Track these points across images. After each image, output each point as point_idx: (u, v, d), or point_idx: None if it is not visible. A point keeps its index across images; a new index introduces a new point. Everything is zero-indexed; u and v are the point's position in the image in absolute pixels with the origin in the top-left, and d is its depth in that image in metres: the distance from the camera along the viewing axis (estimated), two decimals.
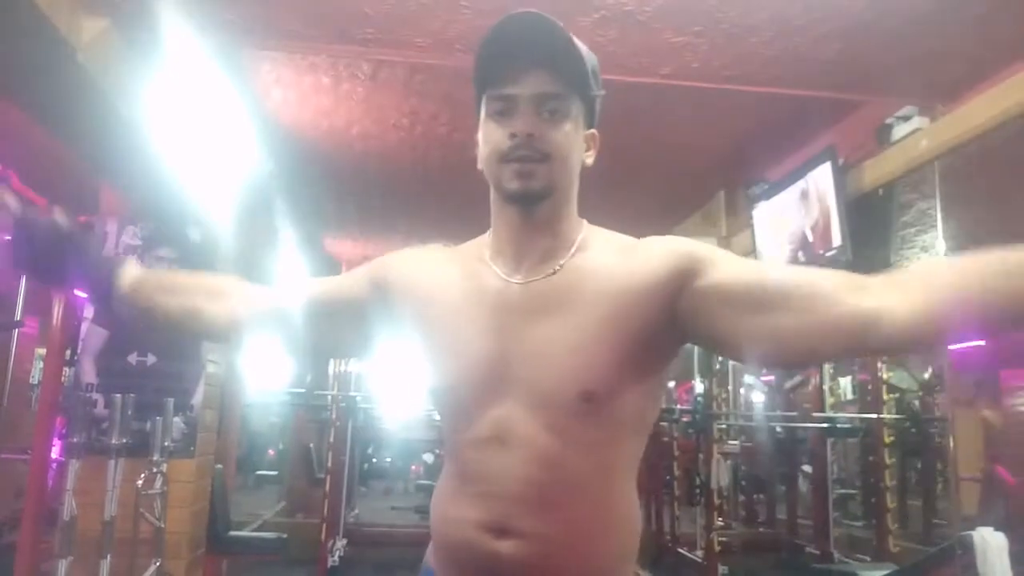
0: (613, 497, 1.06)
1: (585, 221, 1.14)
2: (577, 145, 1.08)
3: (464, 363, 1.07)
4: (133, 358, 3.49)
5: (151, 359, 3.50)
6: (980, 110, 2.82)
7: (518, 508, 1.02)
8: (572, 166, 1.08)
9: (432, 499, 1.15)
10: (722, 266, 1.01)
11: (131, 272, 1.16)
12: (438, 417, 1.15)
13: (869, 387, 4.36)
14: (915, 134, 3.11)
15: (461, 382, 1.07)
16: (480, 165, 1.09)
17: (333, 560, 4.99)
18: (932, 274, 0.98)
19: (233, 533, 4.19)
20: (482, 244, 1.13)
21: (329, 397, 5.77)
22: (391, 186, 4.82)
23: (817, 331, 0.94)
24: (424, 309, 1.11)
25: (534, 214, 1.07)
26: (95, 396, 3.40)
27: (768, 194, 3.96)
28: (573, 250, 1.09)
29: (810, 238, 3.55)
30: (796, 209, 3.67)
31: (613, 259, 1.07)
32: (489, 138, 1.06)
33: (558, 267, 1.07)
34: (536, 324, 1.04)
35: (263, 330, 1.19)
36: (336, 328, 1.18)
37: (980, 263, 0.90)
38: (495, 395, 1.04)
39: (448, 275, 1.12)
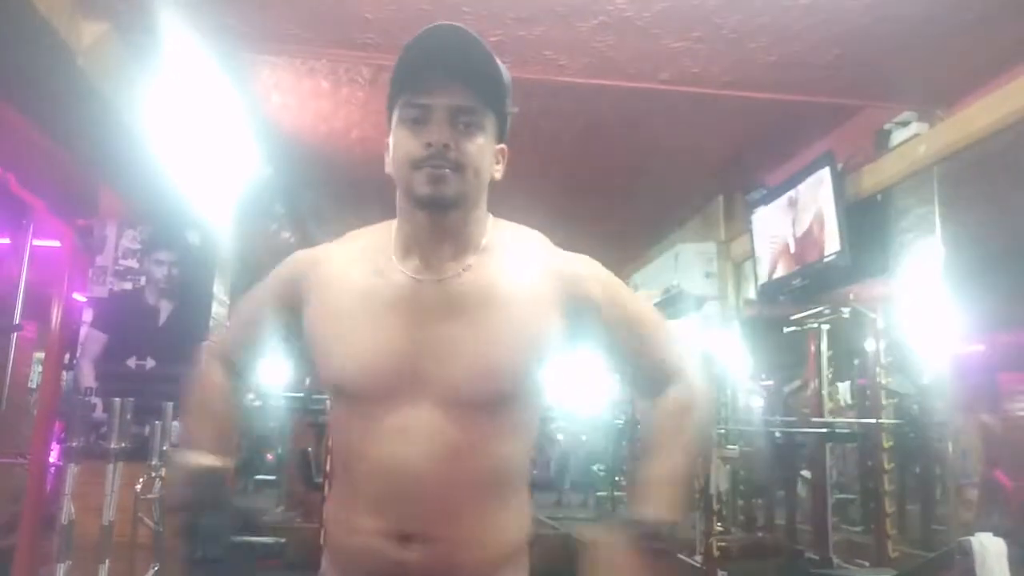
0: (513, 495, 1.11)
1: (491, 217, 1.17)
2: (489, 158, 1.10)
3: (370, 359, 1.07)
4: (132, 362, 3.49)
5: (150, 363, 3.50)
6: (978, 116, 2.82)
7: (423, 509, 1.03)
8: (483, 178, 1.10)
9: (326, 507, 1.21)
10: (604, 312, 1.12)
11: (206, 448, 1.18)
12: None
13: (868, 392, 4.37)
14: (914, 139, 3.11)
15: (366, 377, 1.07)
16: (388, 169, 1.12)
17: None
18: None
19: (232, 537, 4.18)
20: (387, 240, 1.15)
21: (327, 401, 5.75)
22: (390, 190, 4.81)
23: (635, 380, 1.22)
24: (327, 307, 1.12)
25: (443, 221, 1.08)
26: (94, 400, 3.39)
27: (767, 199, 3.96)
28: (480, 252, 1.11)
29: (809, 243, 3.55)
30: (795, 214, 3.68)
31: (519, 265, 1.12)
32: (402, 144, 1.07)
33: (466, 267, 1.09)
34: (446, 323, 1.06)
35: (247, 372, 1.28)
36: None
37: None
38: (402, 392, 1.05)
39: (354, 276, 1.13)
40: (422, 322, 1.06)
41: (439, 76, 1.05)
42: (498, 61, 1.09)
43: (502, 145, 1.14)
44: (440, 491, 1.03)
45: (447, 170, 1.04)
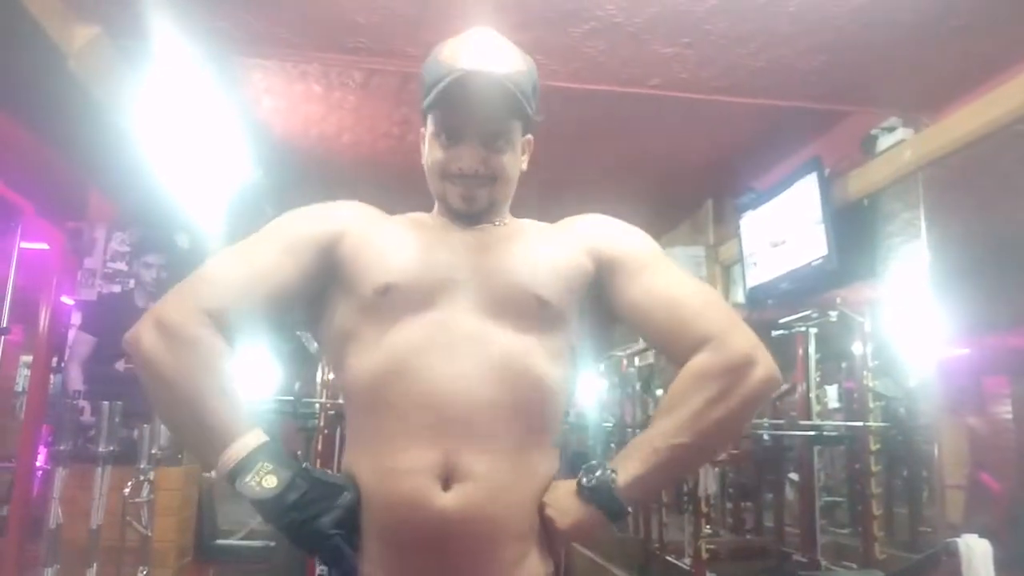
0: (548, 437, 1.07)
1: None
2: (517, 162, 1.15)
3: (417, 263, 1.05)
4: (120, 365, 3.47)
5: None
6: (964, 122, 2.86)
7: (471, 430, 0.96)
8: (512, 182, 1.16)
9: (345, 463, 1.03)
10: (637, 276, 1.11)
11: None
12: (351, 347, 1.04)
13: (855, 395, 4.39)
14: (900, 145, 3.14)
15: (411, 276, 1.03)
16: (424, 163, 1.15)
17: (321, 568, 4.96)
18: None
19: (220, 541, 4.16)
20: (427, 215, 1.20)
21: (317, 405, 5.75)
22: (381, 194, 4.80)
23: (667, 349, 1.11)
24: (376, 234, 1.10)
25: (470, 223, 1.14)
26: (82, 403, 3.37)
27: (755, 203, 3.99)
28: (508, 220, 1.18)
29: (796, 247, 3.58)
30: (783, 219, 3.71)
31: (546, 226, 1.18)
32: (435, 155, 1.11)
33: (501, 223, 1.15)
34: (485, 252, 1.09)
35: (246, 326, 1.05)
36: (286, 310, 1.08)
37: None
38: (446, 298, 1.03)
39: (401, 223, 1.16)
40: (464, 250, 1.09)
41: (468, 108, 1.07)
42: (525, 66, 1.11)
43: (528, 137, 1.17)
44: (487, 409, 0.98)
45: (478, 187, 1.10)
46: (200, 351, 0.97)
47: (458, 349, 0.99)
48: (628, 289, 1.10)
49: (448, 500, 0.95)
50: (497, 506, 0.97)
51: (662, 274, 1.11)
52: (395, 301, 1.02)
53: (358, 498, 0.97)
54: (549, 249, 1.11)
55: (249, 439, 0.96)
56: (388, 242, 1.08)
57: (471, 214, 1.12)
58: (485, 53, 1.08)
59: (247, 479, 0.92)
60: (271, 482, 0.92)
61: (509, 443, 0.99)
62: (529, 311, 1.04)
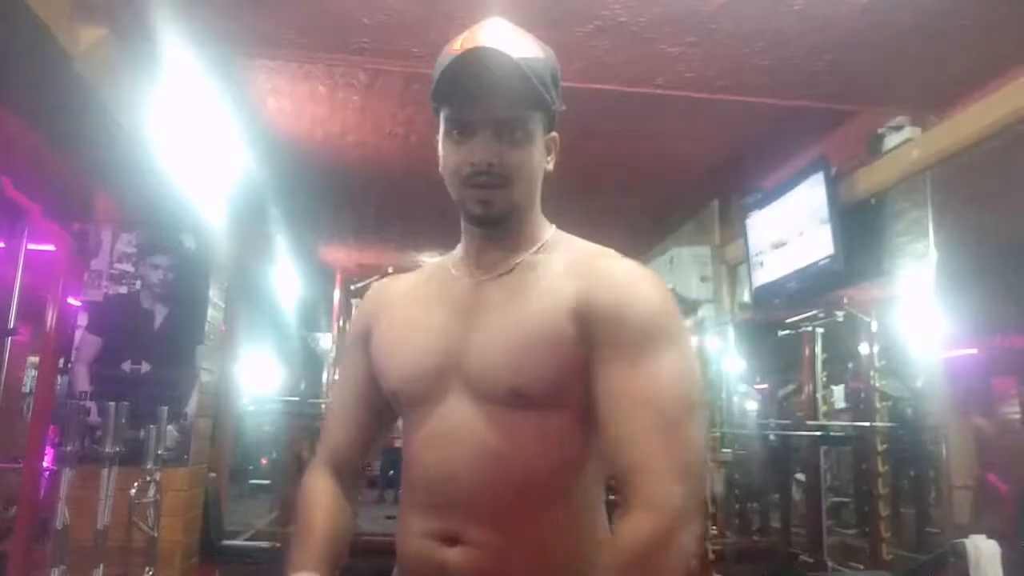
0: (568, 505, 1.02)
1: (553, 226, 1.14)
2: (538, 159, 1.07)
3: (413, 360, 1.08)
4: (127, 366, 3.48)
5: (145, 367, 3.49)
6: (971, 120, 2.84)
7: (465, 511, 1.00)
8: (534, 183, 1.08)
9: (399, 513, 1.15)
10: (606, 335, 0.97)
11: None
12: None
13: (862, 395, 4.38)
14: (907, 144, 3.13)
15: (410, 378, 1.08)
16: (441, 171, 1.08)
17: None
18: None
19: (226, 542, 4.17)
20: (458, 250, 1.15)
21: (323, 405, 5.76)
22: (386, 195, 4.82)
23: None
24: (388, 325, 1.14)
25: (495, 229, 1.08)
26: (88, 404, 3.38)
27: (761, 203, 3.98)
28: (532, 251, 1.09)
29: (803, 247, 3.57)
30: (789, 218, 3.69)
31: (564, 267, 1.05)
32: (449, 159, 1.06)
33: (513, 266, 1.08)
34: (482, 320, 1.05)
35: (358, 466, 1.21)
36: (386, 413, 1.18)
37: None
38: (441, 389, 1.04)
39: (415, 290, 1.15)
40: (465, 319, 1.06)
41: (479, 91, 1.00)
42: (543, 54, 1.04)
43: (553, 135, 1.10)
44: (479, 493, 1.00)
45: (495, 189, 1.03)
46: (307, 498, 1.15)
47: (449, 438, 1.03)
48: (599, 370, 0.97)
49: (451, 555, 1.01)
50: (497, 567, 1.00)
51: (645, 367, 0.95)
52: (403, 402, 1.10)
53: None
54: (540, 316, 1.01)
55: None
56: (394, 339, 1.12)
57: (489, 220, 1.05)
58: (497, 36, 1.01)
59: None
60: None
61: (504, 515, 1.01)
62: (506, 400, 1.00)
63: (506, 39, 1.01)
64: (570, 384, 0.99)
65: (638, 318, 0.97)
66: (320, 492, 1.15)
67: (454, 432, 1.03)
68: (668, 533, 0.88)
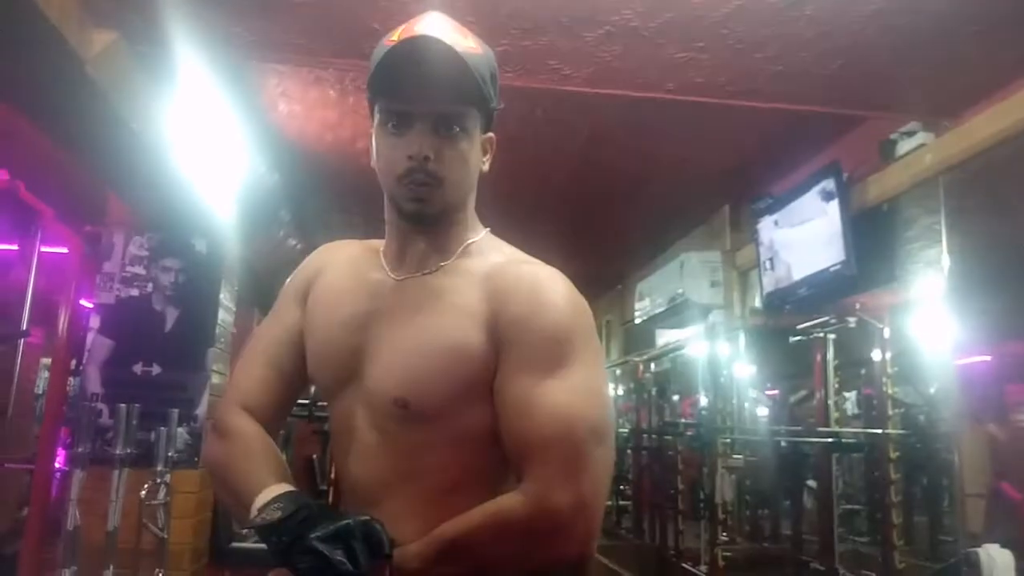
0: (455, 512, 0.95)
1: (486, 230, 1.12)
2: (474, 159, 1.05)
3: (326, 352, 1.07)
4: (139, 368, 3.50)
5: (156, 369, 3.51)
6: (985, 126, 2.82)
7: (376, 509, 0.97)
8: (468, 184, 1.07)
9: None
10: (520, 359, 0.96)
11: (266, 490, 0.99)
12: None
13: (874, 402, 4.35)
14: (919, 149, 3.11)
15: (322, 370, 1.08)
16: (374, 164, 1.06)
17: None
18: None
19: (236, 544, 4.18)
20: (384, 243, 1.14)
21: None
22: None
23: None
24: (316, 305, 1.12)
25: (425, 228, 1.06)
26: (100, 406, 3.40)
27: (772, 209, 3.96)
28: (457, 254, 1.07)
29: (814, 253, 3.54)
30: (800, 224, 3.68)
31: (484, 273, 1.03)
32: (384, 152, 1.03)
33: (436, 268, 1.06)
34: (387, 324, 1.03)
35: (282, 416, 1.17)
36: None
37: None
38: (346, 385, 1.05)
39: (353, 266, 1.13)
40: (375, 319, 1.04)
41: (418, 80, 0.98)
42: (478, 49, 1.02)
43: (489, 135, 1.09)
44: (381, 499, 1.00)
45: (429, 187, 1.00)
46: (236, 437, 1.06)
47: (350, 436, 1.04)
48: (503, 381, 0.96)
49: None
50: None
51: (549, 383, 0.93)
52: (320, 386, 1.11)
53: (368, 530, 0.88)
54: (447, 326, 0.99)
55: (274, 488, 0.97)
56: (318, 322, 1.10)
57: (422, 219, 1.03)
58: (437, 27, 0.99)
59: (255, 516, 0.93)
60: (274, 515, 0.90)
61: (402, 524, 0.93)
62: (392, 411, 0.99)
63: (446, 31, 0.99)
64: (471, 398, 0.97)
65: (545, 331, 0.96)
66: (249, 424, 1.07)
67: (355, 431, 1.04)
68: (531, 520, 0.89)
